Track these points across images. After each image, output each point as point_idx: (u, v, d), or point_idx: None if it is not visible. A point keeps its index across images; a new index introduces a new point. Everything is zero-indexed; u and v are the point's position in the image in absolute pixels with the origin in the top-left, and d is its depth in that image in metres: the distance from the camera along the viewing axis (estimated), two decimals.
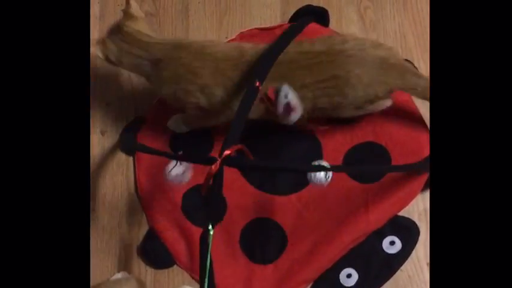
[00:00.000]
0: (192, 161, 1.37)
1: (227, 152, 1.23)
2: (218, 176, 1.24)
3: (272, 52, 1.40)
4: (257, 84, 1.32)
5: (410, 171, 1.48)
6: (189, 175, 1.36)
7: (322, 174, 1.28)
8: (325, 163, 1.30)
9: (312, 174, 1.29)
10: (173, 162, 1.34)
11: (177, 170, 1.34)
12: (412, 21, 1.67)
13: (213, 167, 1.22)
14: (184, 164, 1.34)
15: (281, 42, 1.43)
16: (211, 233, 1.22)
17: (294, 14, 1.65)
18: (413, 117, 1.55)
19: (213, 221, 1.24)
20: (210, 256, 1.21)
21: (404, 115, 1.55)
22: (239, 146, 1.27)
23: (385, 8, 1.69)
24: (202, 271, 1.21)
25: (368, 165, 1.54)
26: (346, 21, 1.68)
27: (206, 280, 1.20)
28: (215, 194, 1.26)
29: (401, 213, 1.49)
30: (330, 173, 1.28)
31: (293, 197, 1.52)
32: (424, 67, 1.61)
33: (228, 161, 1.24)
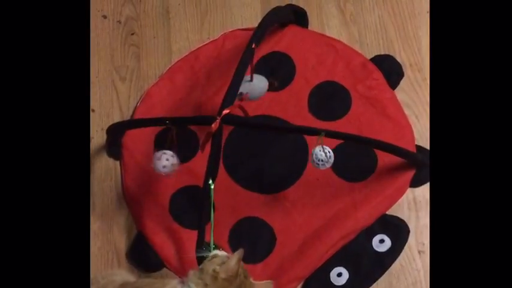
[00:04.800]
0: (190, 122, 1.35)
1: (226, 111, 1.24)
2: (218, 134, 1.25)
3: (266, 20, 1.44)
4: (253, 46, 1.34)
5: (398, 156, 1.48)
6: (176, 166, 1.34)
7: (322, 153, 1.27)
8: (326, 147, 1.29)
9: (313, 154, 1.28)
10: (160, 152, 1.32)
11: (165, 161, 1.32)
12: (391, 13, 1.69)
13: (213, 125, 1.24)
14: (170, 153, 1.32)
15: (271, 14, 1.48)
16: (212, 186, 1.25)
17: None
18: (398, 115, 1.57)
19: (213, 176, 1.26)
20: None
21: (389, 113, 1.57)
22: (237, 104, 1.29)
23: (364, 0, 1.70)
24: (201, 227, 1.24)
25: (354, 162, 1.53)
26: (327, 16, 1.70)
27: (212, 233, 1.23)
28: (214, 152, 1.27)
29: (390, 208, 1.50)
30: (332, 154, 1.28)
31: (281, 195, 1.52)
32: (405, 58, 1.63)
33: (227, 120, 1.25)
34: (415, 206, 1.50)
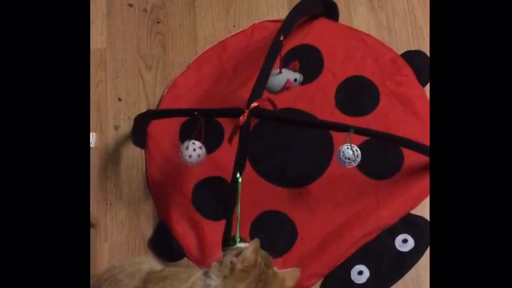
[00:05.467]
0: (218, 115, 1.35)
1: (254, 104, 1.24)
2: (246, 127, 1.25)
3: (294, 12, 1.43)
4: (281, 38, 1.33)
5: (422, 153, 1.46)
6: (202, 157, 1.33)
7: (350, 152, 1.26)
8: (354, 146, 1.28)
9: (340, 152, 1.27)
10: (188, 142, 1.32)
11: (192, 151, 1.32)
12: None
13: (241, 118, 1.24)
14: (198, 144, 1.32)
15: (299, 5, 1.46)
16: (240, 180, 1.24)
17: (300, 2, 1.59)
18: (427, 113, 1.54)
19: (241, 170, 1.25)
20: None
21: (418, 110, 1.54)
22: (265, 98, 1.28)
23: None
24: (229, 221, 1.24)
25: (380, 159, 1.52)
26: (354, 3, 1.67)
27: (238, 227, 1.24)
28: (243, 145, 1.27)
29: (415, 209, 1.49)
30: (359, 152, 1.27)
31: (304, 190, 1.52)
32: None
33: (255, 113, 1.25)
34: None
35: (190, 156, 1.32)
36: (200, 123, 1.31)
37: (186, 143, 1.32)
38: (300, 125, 1.49)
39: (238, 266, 1.11)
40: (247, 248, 1.12)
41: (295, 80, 1.36)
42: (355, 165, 1.28)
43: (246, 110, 1.24)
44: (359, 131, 1.29)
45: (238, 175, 1.25)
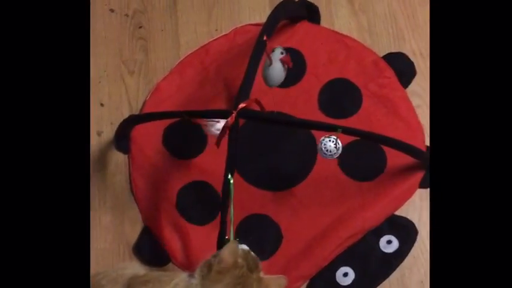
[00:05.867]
0: (206, 116, 1.36)
1: (242, 105, 1.24)
2: (234, 128, 1.25)
3: (276, 12, 1.43)
4: (265, 38, 1.33)
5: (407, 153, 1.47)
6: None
7: (331, 143, 1.26)
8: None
9: (322, 144, 1.27)
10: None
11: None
12: (401, 1, 1.66)
13: (229, 119, 1.24)
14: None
15: (281, 5, 1.47)
16: (232, 181, 1.24)
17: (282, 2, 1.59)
18: (409, 115, 1.56)
19: (232, 172, 1.25)
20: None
21: (400, 113, 1.56)
22: (253, 99, 1.28)
23: None
24: (223, 222, 1.24)
25: (364, 161, 1.52)
26: (336, 6, 1.68)
27: (232, 229, 1.23)
28: (232, 146, 1.27)
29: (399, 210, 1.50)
30: (340, 144, 1.27)
31: (288, 193, 1.52)
32: (415, 47, 1.62)
33: (243, 114, 1.25)
34: (426, 196, 1.50)
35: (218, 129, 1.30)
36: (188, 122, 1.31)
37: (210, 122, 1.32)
38: (289, 125, 1.49)
39: (215, 267, 1.10)
40: (224, 249, 1.11)
41: (282, 53, 1.36)
42: (335, 157, 1.28)
43: (234, 111, 1.24)
44: (347, 130, 1.29)
45: (229, 176, 1.25)
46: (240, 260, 1.12)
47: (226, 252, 1.10)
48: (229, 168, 1.26)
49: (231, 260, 1.10)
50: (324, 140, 1.27)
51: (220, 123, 1.28)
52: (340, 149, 1.27)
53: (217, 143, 1.28)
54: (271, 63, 1.34)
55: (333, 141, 1.26)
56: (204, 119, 1.32)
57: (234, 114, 1.24)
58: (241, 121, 1.30)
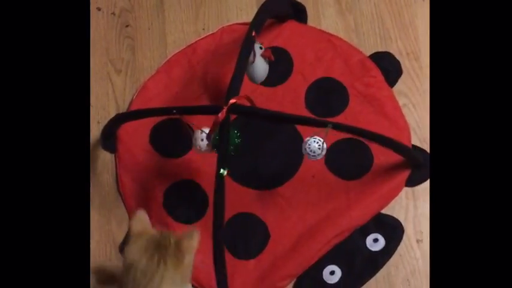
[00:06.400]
0: (196, 112, 1.36)
1: (232, 101, 1.24)
2: (225, 123, 1.25)
3: (263, 10, 1.43)
4: (253, 34, 1.33)
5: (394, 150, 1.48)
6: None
7: (316, 145, 1.27)
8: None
9: (306, 145, 1.28)
10: (198, 132, 1.33)
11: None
12: (387, 1, 1.67)
13: (219, 115, 1.24)
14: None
15: (268, 2, 1.46)
16: (224, 174, 1.24)
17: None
18: (395, 114, 1.57)
19: (223, 166, 1.25)
20: None
21: (387, 111, 1.56)
22: (244, 95, 1.28)
23: None
24: (218, 215, 1.25)
25: (350, 160, 1.53)
26: (323, 5, 1.68)
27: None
28: (224, 141, 1.27)
29: (386, 208, 1.51)
30: (325, 146, 1.27)
31: (275, 191, 1.52)
32: (402, 47, 1.63)
33: (233, 109, 1.25)
34: (412, 194, 1.51)
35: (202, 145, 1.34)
36: (180, 121, 1.31)
37: (197, 133, 1.34)
38: (280, 120, 1.47)
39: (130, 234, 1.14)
40: (132, 218, 1.17)
41: (261, 47, 1.37)
42: (319, 158, 1.28)
43: (224, 107, 1.24)
44: (338, 126, 1.29)
45: (222, 170, 1.24)
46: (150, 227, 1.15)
47: (133, 221, 1.15)
48: (221, 161, 1.26)
49: (139, 227, 1.14)
50: (308, 140, 1.28)
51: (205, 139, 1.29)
52: (324, 150, 1.28)
53: (208, 138, 1.30)
54: (253, 61, 1.34)
55: (317, 142, 1.27)
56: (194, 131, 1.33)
57: (224, 110, 1.24)
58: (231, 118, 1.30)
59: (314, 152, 1.27)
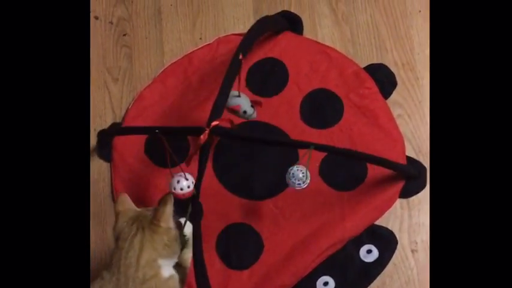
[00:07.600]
0: (179, 132, 1.36)
1: (215, 123, 1.24)
2: (206, 146, 1.25)
3: (254, 30, 1.44)
4: (240, 57, 1.33)
5: (390, 168, 1.49)
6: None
7: (300, 173, 1.26)
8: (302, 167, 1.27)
9: (291, 173, 1.27)
10: (178, 176, 1.23)
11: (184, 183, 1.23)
12: (383, 12, 1.68)
13: (201, 136, 1.23)
14: (190, 176, 1.24)
15: (259, 23, 1.47)
16: (198, 199, 1.26)
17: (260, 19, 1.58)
18: (389, 125, 1.57)
19: (198, 190, 1.25)
20: None
21: (381, 123, 1.57)
22: (226, 118, 1.28)
23: (356, 0, 1.70)
24: (196, 238, 1.26)
25: (345, 171, 1.53)
26: (319, 16, 1.69)
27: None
28: (202, 165, 1.26)
29: (379, 220, 1.52)
30: (308, 174, 1.26)
31: (269, 202, 1.53)
32: (397, 57, 1.63)
33: (216, 131, 1.24)
34: (407, 204, 1.52)
35: (181, 189, 1.23)
36: (162, 140, 1.24)
37: (175, 178, 1.23)
38: (262, 143, 1.49)
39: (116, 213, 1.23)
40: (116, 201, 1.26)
41: (245, 112, 1.34)
42: (304, 186, 1.26)
43: (207, 128, 1.23)
44: (319, 147, 1.29)
45: (195, 192, 1.24)
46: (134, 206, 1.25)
47: (117, 203, 1.24)
48: (198, 186, 1.24)
49: (123, 207, 1.23)
50: (292, 169, 1.26)
51: (187, 182, 1.22)
52: (309, 178, 1.26)
53: (187, 162, 1.29)
54: (238, 95, 1.33)
55: (301, 170, 1.25)
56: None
57: (207, 132, 1.23)
58: None
59: (299, 180, 1.26)
